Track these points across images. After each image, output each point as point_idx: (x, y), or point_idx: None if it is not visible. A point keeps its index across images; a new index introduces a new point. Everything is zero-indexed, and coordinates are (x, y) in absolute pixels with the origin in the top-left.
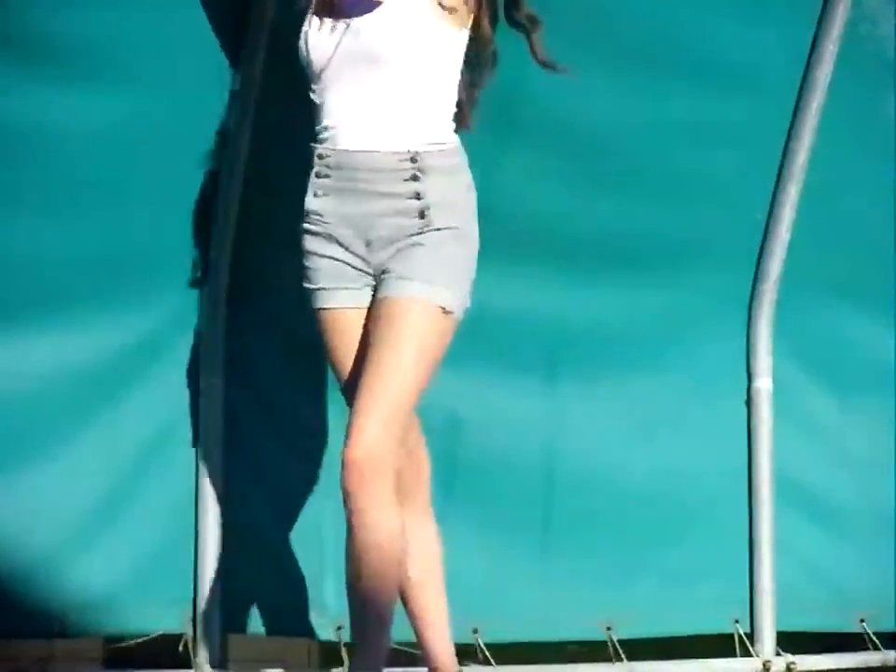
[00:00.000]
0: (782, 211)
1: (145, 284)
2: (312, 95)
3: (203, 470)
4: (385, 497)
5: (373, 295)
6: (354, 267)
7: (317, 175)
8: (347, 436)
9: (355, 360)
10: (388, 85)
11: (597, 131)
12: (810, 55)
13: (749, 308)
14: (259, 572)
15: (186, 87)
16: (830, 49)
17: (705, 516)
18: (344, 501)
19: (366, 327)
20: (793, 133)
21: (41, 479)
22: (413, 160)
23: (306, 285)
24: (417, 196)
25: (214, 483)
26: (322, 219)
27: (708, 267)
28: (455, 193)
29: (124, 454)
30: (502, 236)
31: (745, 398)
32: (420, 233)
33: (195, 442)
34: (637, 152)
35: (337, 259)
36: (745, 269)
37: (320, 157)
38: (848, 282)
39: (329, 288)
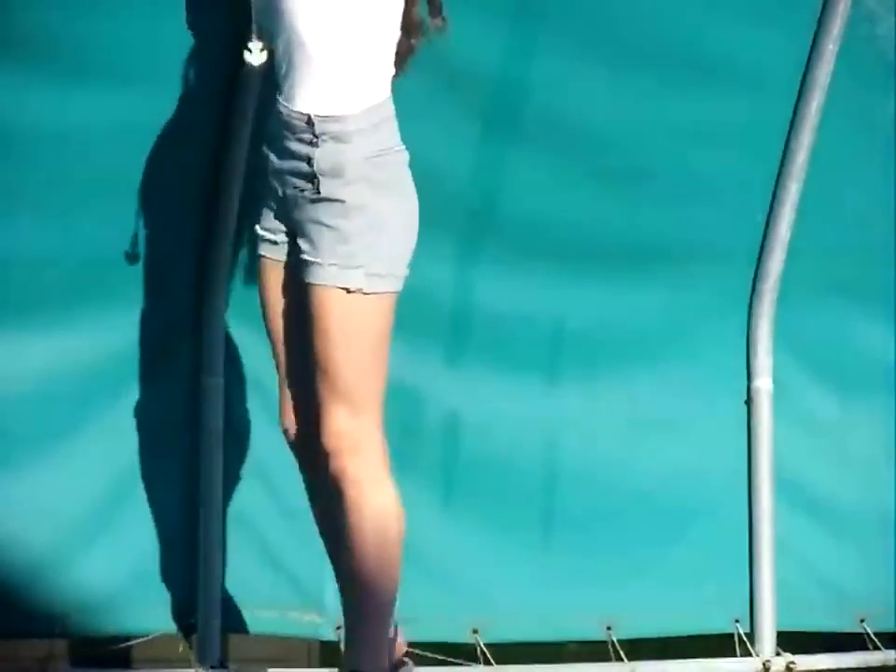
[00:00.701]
0: (782, 210)
1: (145, 284)
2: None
3: (203, 470)
4: (371, 475)
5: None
6: (276, 218)
7: (271, 123)
8: (320, 429)
9: (275, 315)
10: (298, 37)
11: (598, 130)
12: (810, 55)
13: (750, 308)
14: (259, 572)
15: (185, 86)
16: (830, 48)
17: (705, 516)
18: (335, 489)
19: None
20: (793, 133)
21: (41, 479)
22: (309, 122)
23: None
24: (309, 161)
25: (214, 483)
26: (266, 165)
27: (709, 266)
28: (344, 163)
29: (124, 453)
30: (503, 236)
31: (745, 397)
32: (315, 202)
33: (195, 442)
34: (638, 152)
35: (268, 207)
36: (745, 268)
37: (276, 104)
38: (849, 282)
39: (262, 236)
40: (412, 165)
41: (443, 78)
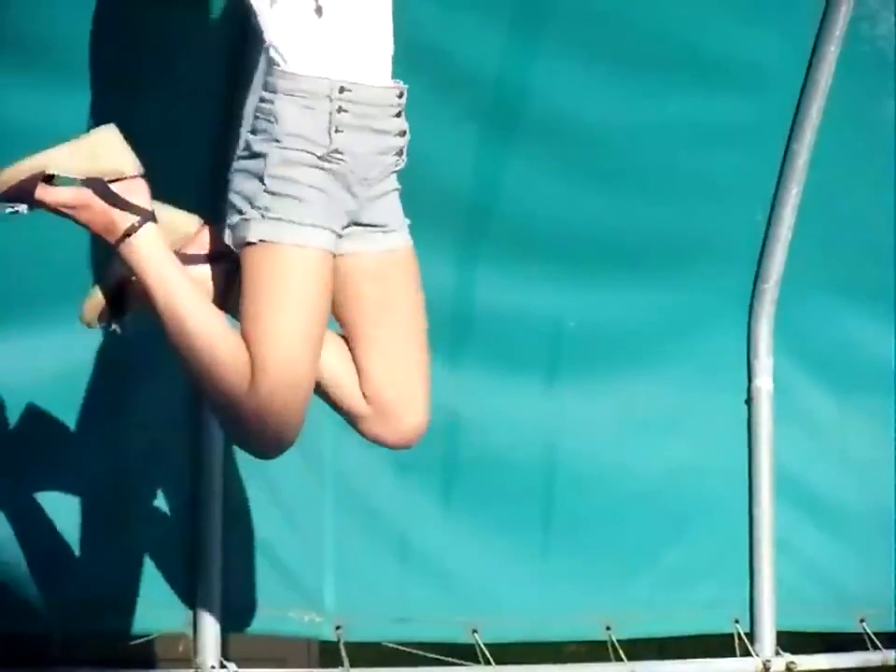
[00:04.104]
0: (783, 211)
1: None
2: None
3: (203, 470)
4: None
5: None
6: (345, 210)
7: (338, 111)
8: (407, 405)
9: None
10: (380, 7)
11: (598, 131)
12: (811, 56)
13: (750, 308)
14: (259, 572)
15: (185, 86)
16: (831, 49)
17: (705, 516)
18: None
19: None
20: (794, 134)
21: (41, 478)
22: (400, 94)
23: (285, 216)
24: (403, 133)
25: (214, 483)
26: (342, 158)
27: (709, 267)
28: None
29: (125, 453)
30: (502, 236)
31: (745, 397)
32: (392, 174)
33: (195, 442)
34: (639, 152)
35: (334, 199)
36: (745, 269)
37: (341, 90)
38: (849, 282)
39: (322, 227)
40: (411, 165)
41: (443, 78)
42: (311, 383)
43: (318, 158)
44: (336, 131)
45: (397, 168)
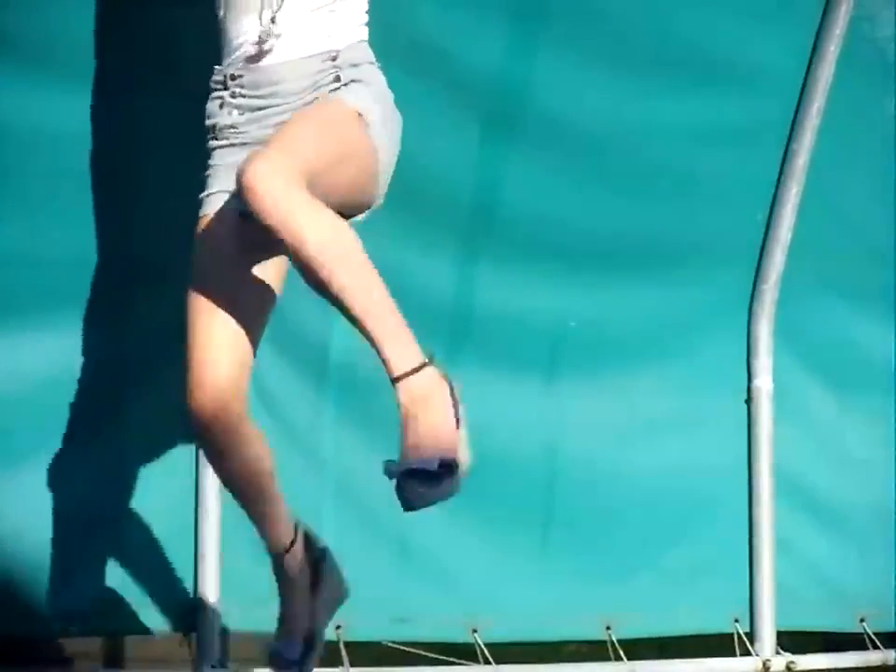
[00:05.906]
0: (783, 211)
1: (145, 284)
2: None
3: (203, 470)
4: None
5: None
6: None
7: (233, 96)
8: None
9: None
10: None
11: (599, 131)
12: (812, 56)
13: (750, 307)
14: (258, 572)
15: (185, 85)
16: (831, 50)
17: (705, 515)
18: None
19: None
20: (794, 134)
21: (42, 478)
22: (333, 58)
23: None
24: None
25: (214, 483)
26: (237, 132)
27: (709, 267)
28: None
29: (125, 453)
30: (503, 236)
31: (745, 397)
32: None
33: (195, 442)
34: (639, 152)
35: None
36: (745, 269)
37: (232, 77)
38: (849, 282)
39: (219, 192)
40: (412, 165)
41: (443, 78)
42: (211, 347)
43: (216, 139)
44: (230, 114)
45: (335, 85)
